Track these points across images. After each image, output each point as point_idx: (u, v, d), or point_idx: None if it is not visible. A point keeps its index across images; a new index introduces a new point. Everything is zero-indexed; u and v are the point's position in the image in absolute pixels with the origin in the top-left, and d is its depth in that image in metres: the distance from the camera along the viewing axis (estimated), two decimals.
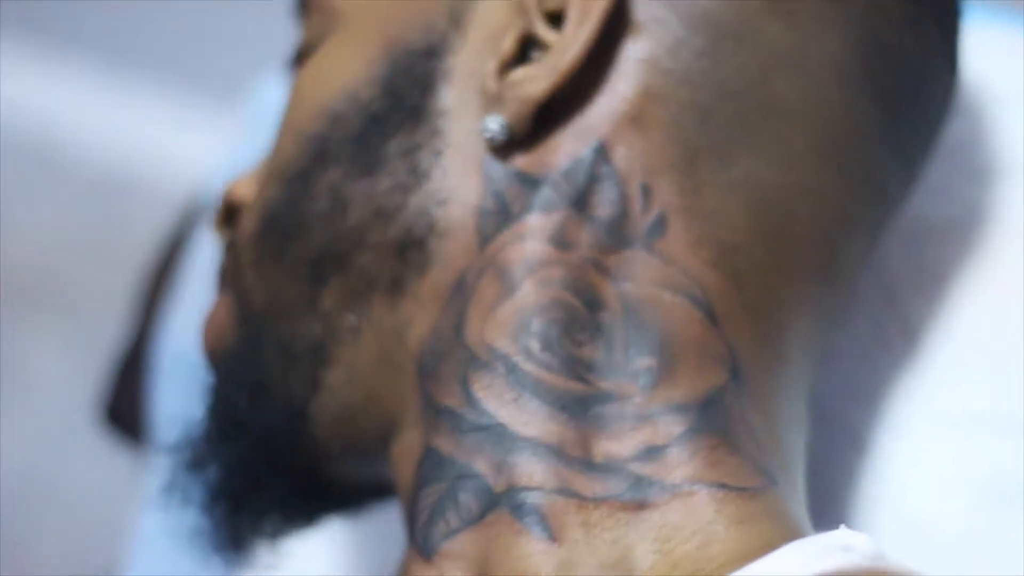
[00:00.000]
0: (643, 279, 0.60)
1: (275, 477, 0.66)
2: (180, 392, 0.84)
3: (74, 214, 1.77)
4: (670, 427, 0.58)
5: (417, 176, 0.61)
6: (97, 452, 1.17)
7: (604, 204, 0.60)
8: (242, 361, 0.65)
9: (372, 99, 0.62)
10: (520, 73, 0.60)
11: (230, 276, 0.66)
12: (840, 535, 0.55)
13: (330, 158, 0.62)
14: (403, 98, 0.62)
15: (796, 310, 0.62)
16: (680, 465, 0.57)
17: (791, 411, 0.61)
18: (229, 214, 0.68)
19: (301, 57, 0.67)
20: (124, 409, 1.00)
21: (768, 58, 0.61)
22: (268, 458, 0.66)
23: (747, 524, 0.56)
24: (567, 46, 0.60)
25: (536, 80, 0.60)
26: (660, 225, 0.60)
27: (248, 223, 0.65)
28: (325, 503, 0.69)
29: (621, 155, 0.60)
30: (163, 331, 0.95)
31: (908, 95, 0.64)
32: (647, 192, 0.60)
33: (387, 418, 0.62)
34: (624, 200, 0.60)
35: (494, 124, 0.60)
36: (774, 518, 0.57)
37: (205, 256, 0.91)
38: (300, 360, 0.63)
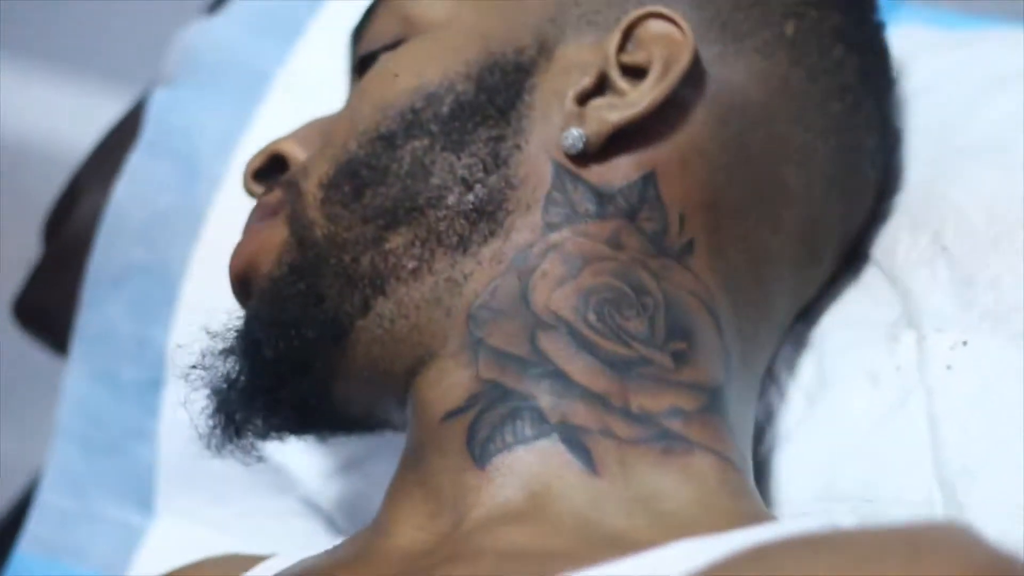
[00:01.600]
0: (676, 282, 0.73)
1: (292, 382, 0.75)
2: (125, 304, 0.95)
3: None
4: (693, 399, 0.71)
5: (497, 161, 0.74)
6: None
7: (649, 220, 0.73)
8: (300, 277, 0.75)
9: (466, 91, 0.75)
10: (600, 102, 0.74)
11: (287, 210, 0.76)
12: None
13: (420, 129, 0.74)
14: (493, 97, 0.75)
15: (766, 339, 0.78)
16: (698, 430, 0.70)
17: (750, 412, 0.76)
18: (272, 163, 0.80)
19: (371, 50, 0.80)
20: (43, 310, 1.04)
21: (784, 149, 0.77)
22: (295, 364, 0.75)
23: (740, 497, 0.69)
24: (644, 95, 0.73)
25: (614, 110, 0.73)
26: (689, 247, 0.74)
27: (320, 170, 0.76)
28: (315, 419, 0.79)
29: (666, 186, 0.74)
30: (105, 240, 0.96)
31: (861, 190, 0.81)
32: (682, 220, 0.74)
33: (422, 350, 0.73)
34: (665, 221, 0.73)
35: (575, 135, 0.73)
36: (754, 499, 0.70)
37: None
38: (358, 285, 0.74)
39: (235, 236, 0.83)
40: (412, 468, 0.72)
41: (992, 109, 0.83)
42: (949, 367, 0.75)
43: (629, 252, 0.72)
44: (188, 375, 0.76)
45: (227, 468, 0.89)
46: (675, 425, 0.69)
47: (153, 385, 0.94)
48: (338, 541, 0.78)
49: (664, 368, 0.71)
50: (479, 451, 0.69)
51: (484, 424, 0.70)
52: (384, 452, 0.84)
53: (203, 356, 0.76)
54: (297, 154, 0.79)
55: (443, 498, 0.70)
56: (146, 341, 0.94)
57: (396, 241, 0.73)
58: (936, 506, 0.72)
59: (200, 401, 0.76)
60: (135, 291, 0.95)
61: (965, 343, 0.75)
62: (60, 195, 1.03)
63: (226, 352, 0.76)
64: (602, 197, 0.73)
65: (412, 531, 0.70)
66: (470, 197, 0.73)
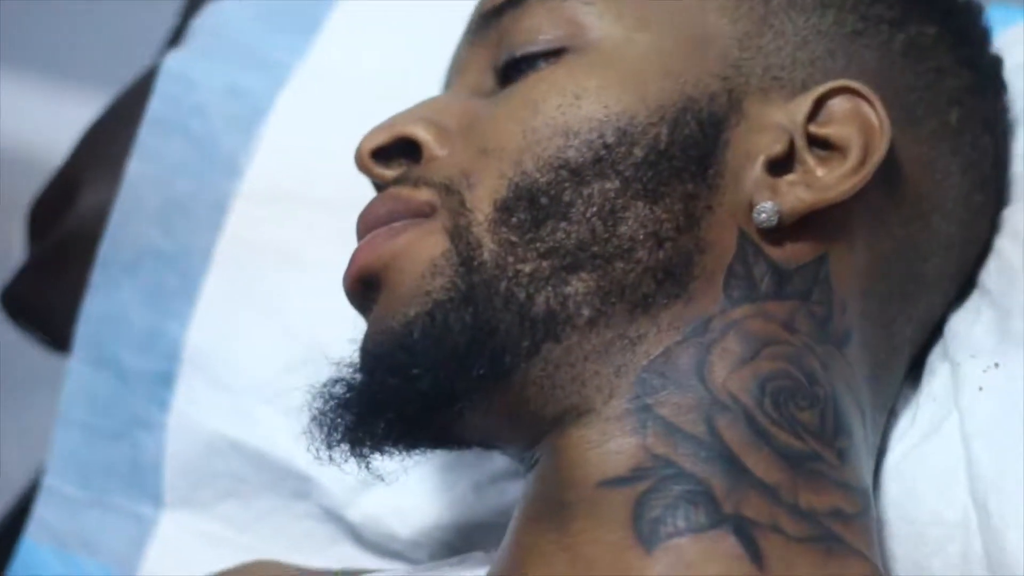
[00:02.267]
0: (838, 373, 0.71)
1: (438, 411, 0.71)
2: (137, 292, 0.92)
3: None
4: (854, 501, 0.69)
5: (691, 220, 0.70)
6: None
7: (820, 305, 0.71)
8: (469, 304, 0.70)
9: (661, 136, 0.71)
10: (794, 178, 0.71)
11: (447, 222, 0.71)
12: None
13: (612, 169, 0.70)
14: (688, 149, 0.71)
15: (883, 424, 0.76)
16: (854, 533, 0.68)
17: None
18: (401, 148, 0.74)
19: (529, 52, 0.74)
20: (38, 303, 1.02)
21: (932, 242, 0.76)
22: (448, 394, 0.70)
23: None
24: (841, 180, 0.71)
25: (810, 191, 0.71)
26: (848, 336, 0.72)
27: (490, 185, 0.71)
28: (433, 438, 0.75)
29: (835, 272, 0.72)
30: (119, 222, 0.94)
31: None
32: (843, 306, 0.72)
33: (580, 400, 0.70)
34: (831, 307, 0.72)
35: (769, 209, 0.70)
36: None
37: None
38: (531, 325, 0.70)
39: (264, 232, 0.82)
40: (555, 527, 0.68)
41: None
42: (981, 388, 0.76)
43: (801, 337, 0.70)
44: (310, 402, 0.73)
45: (240, 467, 0.89)
46: (836, 526, 0.67)
47: (164, 378, 0.92)
48: (367, 558, 0.78)
49: (832, 466, 0.69)
50: (647, 532, 0.66)
51: (654, 503, 0.67)
52: (414, 468, 0.81)
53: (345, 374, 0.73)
54: (432, 146, 0.74)
55: (595, 571, 0.66)
56: (159, 332, 0.92)
57: (576, 286, 0.70)
58: (971, 525, 0.73)
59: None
60: (149, 278, 0.93)
61: (997, 365, 0.76)
62: (47, 187, 1.01)
63: (353, 371, 0.72)
64: (781, 275, 0.71)
65: None
66: (660, 255, 0.70)
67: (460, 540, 0.88)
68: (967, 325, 0.79)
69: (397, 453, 0.73)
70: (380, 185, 0.76)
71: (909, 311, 0.76)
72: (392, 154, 0.75)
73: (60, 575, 0.92)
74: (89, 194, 0.97)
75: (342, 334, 0.75)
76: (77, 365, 0.94)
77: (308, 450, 0.73)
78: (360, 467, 0.73)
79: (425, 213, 0.73)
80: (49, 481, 0.94)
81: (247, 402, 0.90)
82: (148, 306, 0.93)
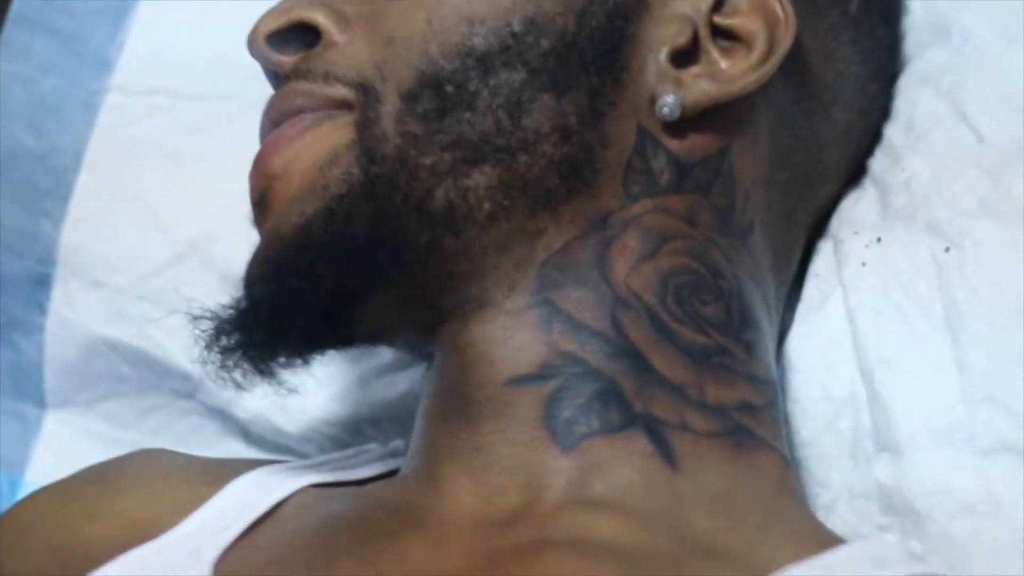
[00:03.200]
0: (742, 265, 0.70)
1: (340, 308, 0.69)
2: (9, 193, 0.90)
3: None
4: (761, 393, 0.69)
5: (594, 114, 0.69)
6: None
7: (722, 196, 0.70)
8: (370, 198, 0.68)
9: (568, 28, 0.69)
10: (698, 70, 0.70)
11: (357, 115, 0.69)
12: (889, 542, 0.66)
13: (519, 59, 0.68)
14: (596, 42, 0.69)
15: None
16: (763, 425, 0.68)
17: None
18: (296, 33, 0.72)
19: None
20: None
21: (832, 131, 0.76)
22: (349, 291, 0.69)
23: (798, 499, 0.69)
24: (746, 73, 0.70)
25: (714, 83, 0.69)
26: (750, 228, 0.71)
27: (397, 75, 0.69)
28: (332, 339, 0.73)
29: (738, 163, 0.71)
30: None
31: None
32: (745, 197, 0.71)
33: (479, 293, 0.69)
34: (734, 198, 0.71)
35: (671, 102, 0.69)
36: (802, 498, 0.70)
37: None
38: (431, 220, 0.68)
39: (137, 128, 0.80)
40: (465, 427, 0.68)
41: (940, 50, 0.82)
42: (864, 264, 0.76)
43: (703, 230, 0.69)
44: (200, 318, 0.70)
45: (121, 367, 0.88)
46: (745, 419, 0.67)
47: (40, 280, 0.91)
48: (256, 452, 0.77)
49: (738, 359, 0.68)
50: (562, 431, 0.66)
51: (566, 403, 0.66)
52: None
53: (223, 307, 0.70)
54: (331, 31, 0.71)
55: (513, 473, 0.66)
56: (32, 234, 0.91)
57: (478, 179, 0.68)
58: (860, 399, 0.74)
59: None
60: (21, 179, 0.91)
61: (879, 240, 0.76)
62: None
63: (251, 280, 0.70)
64: (681, 168, 0.69)
65: (471, 499, 0.66)
66: (565, 149, 0.68)
67: (349, 434, 0.88)
68: (850, 205, 0.80)
69: (298, 362, 0.71)
70: (276, 73, 0.73)
71: (809, 200, 0.77)
72: (287, 40, 0.72)
73: None
74: None
75: (220, 230, 0.74)
76: None
77: (212, 380, 0.70)
78: (270, 384, 0.71)
79: (338, 108, 0.70)
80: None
81: (124, 302, 0.89)
82: (21, 207, 0.91)
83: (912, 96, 0.80)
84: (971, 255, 0.73)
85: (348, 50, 0.70)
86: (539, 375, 0.67)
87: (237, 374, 0.69)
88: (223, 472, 0.74)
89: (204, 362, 0.69)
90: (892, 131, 0.80)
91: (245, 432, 0.89)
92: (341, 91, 0.70)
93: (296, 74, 0.71)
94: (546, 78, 0.68)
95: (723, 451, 0.67)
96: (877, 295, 0.75)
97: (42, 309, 0.91)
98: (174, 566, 0.68)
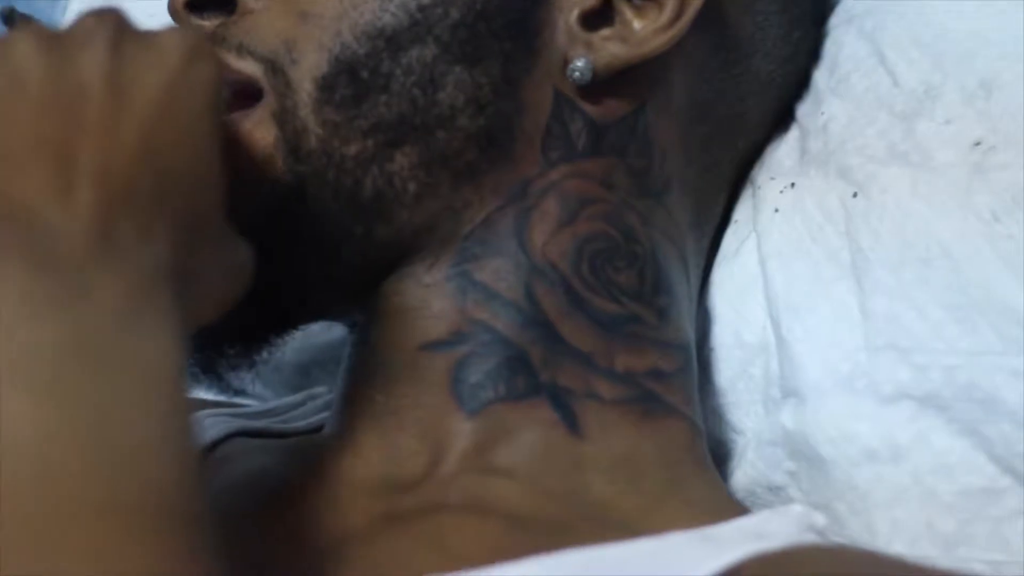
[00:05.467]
0: (658, 226, 0.71)
1: (275, 302, 0.69)
2: None
3: None
4: (672, 359, 0.69)
5: (509, 82, 0.68)
6: None
7: (637, 157, 0.70)
8: (301, 199, 0.68)
9: None
10: (608, 32, 0.69)
11: (274, 106, 0.68)
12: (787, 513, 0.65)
13: (428, 33, 0.68)
14: (506, 8, 0.68)
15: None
16: (673, 391, 0.69)
17: None
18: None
19: None
20: None
21: (753, 83, 0.76)
22: (285, 287, 0.69)
23: (704, 467, 0.69)
24: (656, 34, 0.69)
25: (624, 45, 0.69)
26: (668, 185, 0.71)
27: (311, 60, 0.68)
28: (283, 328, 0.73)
29: (653, 123, 0.71)
30: None
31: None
32: (662, 156, 0.71)
33: (402, 263, 0.69)
34: (651, 158, 0.71)
35: (582, 66, 0.68)
36: (711, 465, 0.70)
37: None
38: (362, 213, 0.68)
39: None
40: (380, 389, 0.69)
41: None
42: (777, 210, 0.76)
43: (619, 193, 0.70)
44: None
45: None
46: (655, 386, 0.69)
47: None
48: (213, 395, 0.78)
49: (650, 325, 0.69)
50: (467, 395, 0.67)
51: (474, 368, 0.67)
52: None
53: None
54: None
55: (421, 436, 0.68)
56: None
57: (400, 161, 0.68)
58: (770, 345, 0.74)
59: None
60: None
61: (793, 185, 0.76)
62: None
63: None
64: (598, 131, 0.70)
65: (381, 461, 0.68)
66: (481, 120, 0.68)
67: (299, 377, 0.90)
68: (772, 148, 0.80)
69: (245, 362, 0.72)
70: None
71: (731, 152, 0.77)
72: (206, 4, 0.72)
73: None
74: None
75: None
76: None
77: None
78: (216, 384, 0.72)
79: (251, 94, 0.70)
80: None
81: None
82: None
83: (838, 37, 0.80)
84: (877, 201, 0.73)
85: (261, 21, 0.70)
86: (449, 341, 0.68)
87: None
88: None
89: None
90: (818, 74, 0.80)
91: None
92: (252, 66, 0.70)
93: (214, 41, 0.71)
94: (457, 50, 0.68)
95: (629, 418, 0.68)
96: (788, 241, 0.75)
97: None
98: None
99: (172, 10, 0.73)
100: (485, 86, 0.68)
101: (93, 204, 0.55)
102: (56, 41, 0.59)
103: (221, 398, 0.85)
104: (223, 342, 0.71)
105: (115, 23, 0.60)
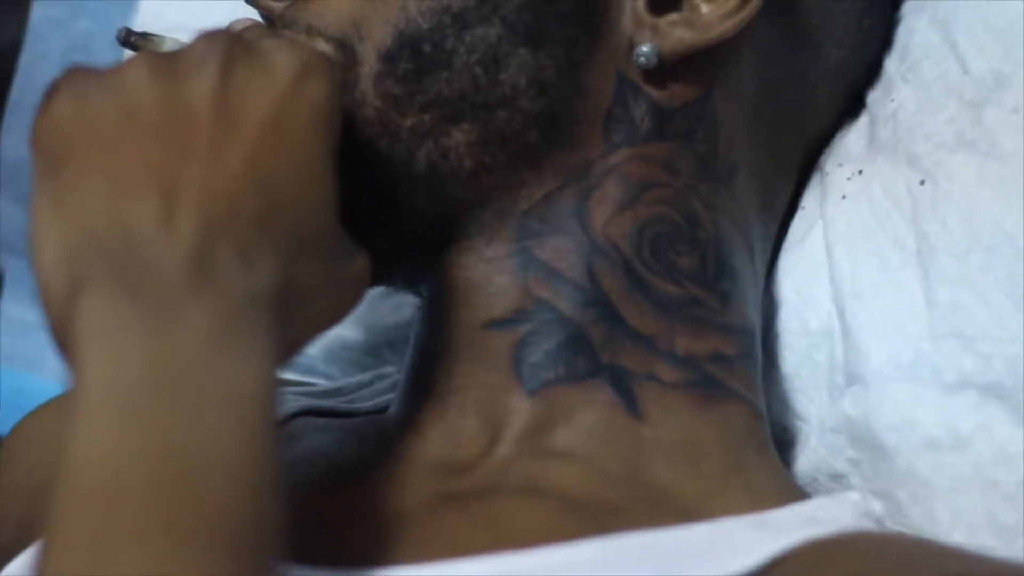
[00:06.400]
0: (723, 211, 0.71)
1: None
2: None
3: None
4: (734, 344, 0.70)
5: (572, 65, 0.69)
6: None
7: (703, 142, 0.70)
8: (353, 170, 0.66)
9: None
10: (675, 17, 0.69)
11: (350, 79, 0.69)
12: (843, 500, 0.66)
13: (493, 14, 0.68)
14: None
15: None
16: (736, 376, 0.69)
17: None
18: None
19: None
20: None
21: (823, 69, 0.75)
22: None
23: (766, 453, 0.69)
24: (723, 20, 0.69)
25: (691, 30, 0.69)
26: (734, 170, 0.71)
27: (376, 35, 0.69)
28: None
29: (720, 108, 0.70)
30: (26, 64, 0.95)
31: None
32: (729, 141, 0.71)
33: (463, 245, 0.70)
34: (716, 143, 0.71)
35: (647, 51, 0.68)
36: (773, 451, 0.70)
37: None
38: (415, 182, 0.69)
39: None
40: (443, 370, 0.70)
41: None
42: (844, 196, 0.76)
43: (683, 177, 0.70)
44: None
45: None
46: (716, 371, 0.69)
47: None
48: (287, 373, 0.79)
49: (712, 309, 0.69)
50: (528, 374, 0.68)
51: (535, 347, 0.68)
52: None
53: None
54: None
55: (482, 416, 0.68)
56: None
57: (457, 137, 0.68)
58: (835, 332, 0.74)
59: None
60: None
61: (860, 172, 0.76)
62: None
63: None
64: (662, 116, 0.70)
65: (441, 442, 0.68)
66: (543, 102, 0.69)
67: (368, 358, 0.91)
68: (841, 134, 0.79)
69: None
70: (268, 19, 0.74)
71: (800, 137, 0.76)
72: None
73: (5, 388, 0.96)
74: (3, 33, 0.98)
75: None
76: (6, 202, 0.96)
77: None
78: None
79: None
80: (3, 307, 0.98)
81: None
82: None
83: (910, 23, 0.79)
84: (943, 188, 0.72)
85: (331, 1, 0.71)
86: (512, 319, 0.68)
87: None
88: None
89: None
90: (889, 61, 0.80)
91: None
92: (323, 46, 0.70)
93: (283, 22, 0.72)
94: (522, 32, 0.68)
95: (690, 402, 0.68)
96: (854, 228, 0.75)
97: None
98: None
99: None
100: (549, 69, 0.68)
101: (193, 231, 0.56)
102: (168, 67, 0.61)
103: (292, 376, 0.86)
104: None
105: (226, 45, 0.62)
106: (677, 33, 0.69)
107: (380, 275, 0.72)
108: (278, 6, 0.73)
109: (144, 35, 0.73)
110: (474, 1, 0.68)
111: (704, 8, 0.69)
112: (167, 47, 0.73)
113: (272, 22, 0.74)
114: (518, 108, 0.68)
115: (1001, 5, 0.75)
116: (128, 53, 0.90)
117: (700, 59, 0.70)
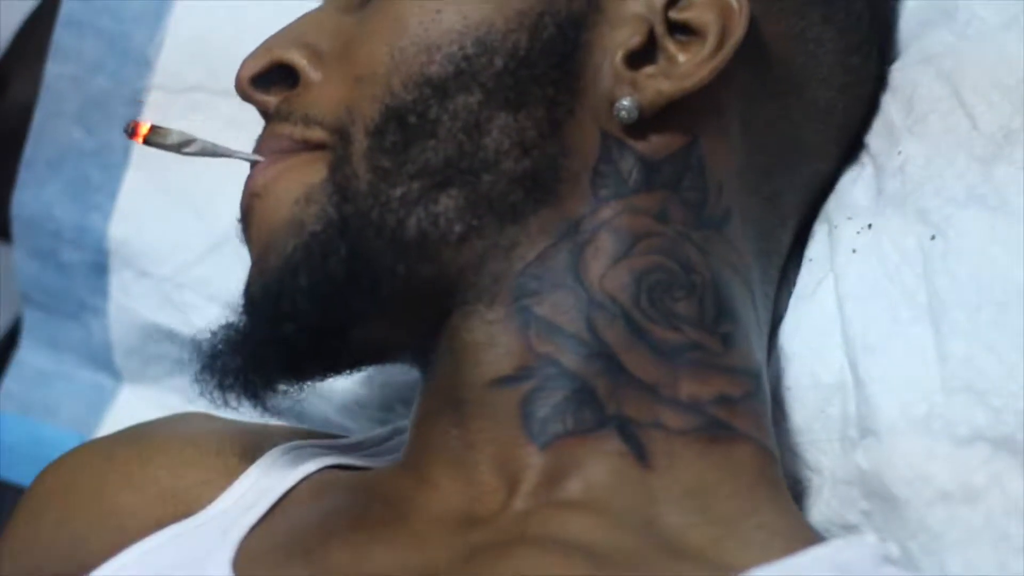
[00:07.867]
0: (719, 255, 0.71)
1: (325, 340, 0.72)
2: (62, 188, 0.95)
3: None
4: (739, 385, 0.70)
5: (553, 126, 0.70)
6: None
7: (692, 190, 0.71)
8: (342, 237, 0.70)
9: (519, 43, 0.70)
10: (652, 70, 0.71)
11: (331, 156, 0.71)
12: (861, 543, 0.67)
13: (473, 81, 0.70)
14: (549, 54, 0.70)
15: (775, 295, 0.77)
16: (742, 417, 0.70)
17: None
18: (278, 71, 0.74)
19: None
20: None
21: (810, 110, 0.76)
22: (333, 325, 0.71)
23: (778, 491, 0.70)
24: (699, 67, 0.70)
25: (668, 80, 0.70)
26: (727, 216, 0.72)
27: (365, 113, 0.71)
28: (325, 372, 0.75)
29: (708, 155, 0.72)
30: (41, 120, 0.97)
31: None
32: (719, 187, 0.72)
33: (461, 302, 0.71)
34: (706, 190, 0.72)
35: (628, 105, 0.70)
36: (784, 489, 0.71)
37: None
38: (404, 251, 0.70)
39: (175, 124, 0.82)
40: (455, 424, 0.71)
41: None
42: (854, 250, 0.77)
43: (675, 225, 0.71)
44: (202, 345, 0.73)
45: (178, 352, 0.93)
46: (722, 413, 0.69)
47: (98, 269, 0.96)
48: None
49: (714, 352, 0.70)
50: (537, 429, 0.69)
51: (542, 402, 0.69)
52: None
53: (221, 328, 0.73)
54: (308, 71, 0.73)
55: (497, 471, 0.69)
56: (85, 226, 0.96)
57: (446, 203, 0.70)
58: (847, 386, 0.74)
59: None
60: (73, 174, 0.96)
61: (870, 226, 0.77)
62: None
63: (243, 310, 0.72)
64: (649, 167, 0.71)
65: (458, 495, 0.70)
66: (526, 163, 0.70)
67: (383, 412, 0.91)
68: (848, 185, 0.80)
69: (291, 387, 0.74)
70: (265, 112, 0.76)
71: (792, 179, 0.77)
72: (271, 78, 0.75)
73: (21, 437, 0.97)
74: (16, 91, 0.99)
75: None
76: (21, 256, 0.98)
77: (201, 395, 0.73)
78: (256, 408, 0.73)
79: (316, 145, 0.73)
80: (20, 356, 1.00)
81: (169, 289, 0.94)
82: (73, 201, 0.97)
83: (914, 75, 0.80)
84: (954, 244, 0.73)
85: (324, 90, 0.73)
86: (517, 376, 0.70)
87: (231, 396, 0.72)
88: (254, 442, 0.79)
89: (198, 380, 0.73)
90: (893, 109, 0.80)
91: (299, 414, 0.93)
92: (319, 134, 0.72)
93: (279, 116, 0.74)
94: (501, 96, 0.70)
95: (697, 446, 0.69)
96: (865, 282, 0.76)
97: (104, 295, 0.97)
98: (206, 544, 0.72)
99: (239, 88, 0.76)
100: (529, 130, 0.70)
101: None
102: None
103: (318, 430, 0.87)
104: (274, 375, 0.73)
105: None
106: (656, 84, 0.71)
107: (375, 349, 0.75)
108: (272, 100, 0.74)
109: (152, 128, 0.75)
110: (453, 71, 0.70)
111: (680, 57, 0.71)
112: (172, 140, 0.75)
113: (269, 116, 0.75)
114: (502, 170, 0.70)
115: (1010, 62, 0.76)
116: (144, 111, 0.94)
117: (682, 108, 0.71)
